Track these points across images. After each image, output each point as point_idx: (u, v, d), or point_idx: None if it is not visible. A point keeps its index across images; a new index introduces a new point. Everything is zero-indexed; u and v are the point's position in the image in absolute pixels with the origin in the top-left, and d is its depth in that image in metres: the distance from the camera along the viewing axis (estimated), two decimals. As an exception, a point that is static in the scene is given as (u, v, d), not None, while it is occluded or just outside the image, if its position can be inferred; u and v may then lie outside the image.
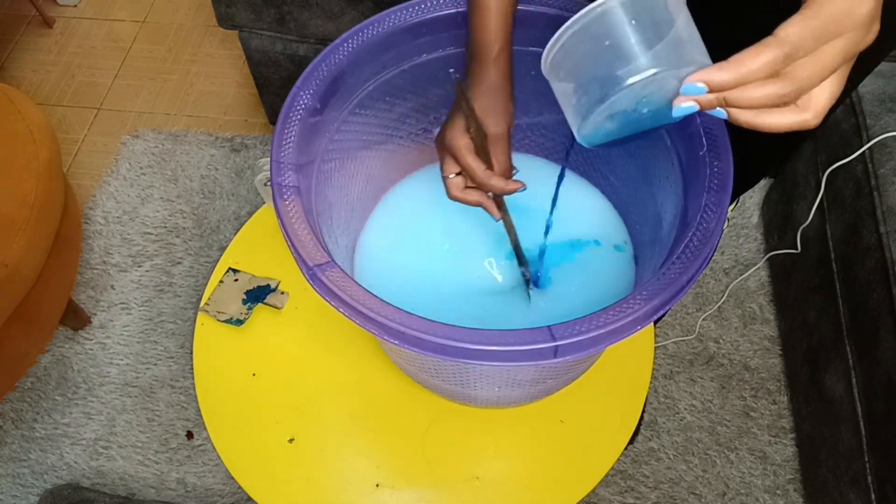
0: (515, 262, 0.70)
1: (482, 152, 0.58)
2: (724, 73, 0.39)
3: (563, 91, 0.46)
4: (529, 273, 0.70)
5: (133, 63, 1.85)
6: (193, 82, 1.80)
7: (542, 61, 0.46)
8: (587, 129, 0.45)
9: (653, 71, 0.40)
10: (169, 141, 1.66)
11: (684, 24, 0.41)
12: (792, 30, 0.38)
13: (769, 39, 0.38)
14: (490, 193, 0.62)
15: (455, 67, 0.68)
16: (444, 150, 0.60)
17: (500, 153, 0.60)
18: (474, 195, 0.62)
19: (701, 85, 0.40)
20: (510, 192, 0.60)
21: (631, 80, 0.40)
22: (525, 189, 0.61)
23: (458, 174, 0.61)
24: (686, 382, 1.31)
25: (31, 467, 1.27)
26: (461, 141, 0.58)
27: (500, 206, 0.64)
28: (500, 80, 0.59)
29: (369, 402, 0.79)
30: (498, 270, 0.73)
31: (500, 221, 0.65)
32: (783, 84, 0.39)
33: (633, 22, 0.40)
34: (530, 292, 0.70)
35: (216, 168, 1.61)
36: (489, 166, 0.59)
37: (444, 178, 0.61)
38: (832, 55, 0.38)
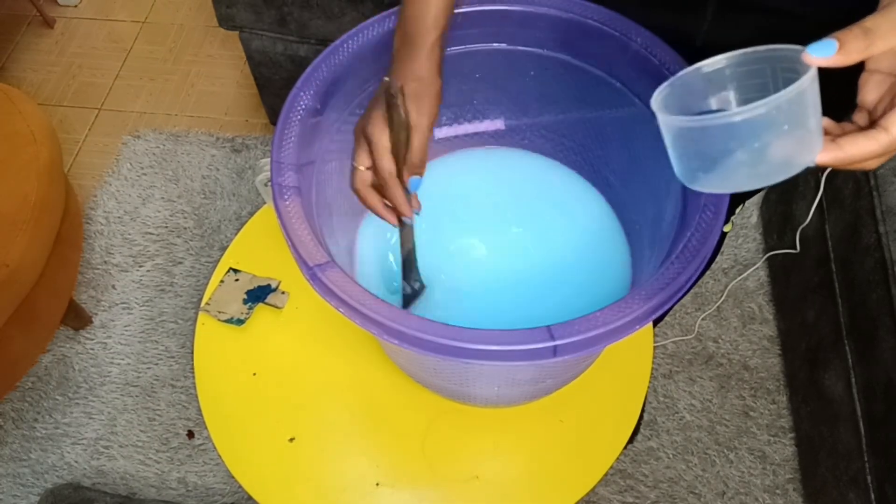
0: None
1: (399, 149, 0.57)
2: (828, 157, 0.41)
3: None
4: (416, 288, 0.67)
5: (134, 63, 1.85)
6: (194, 83, 1.80)
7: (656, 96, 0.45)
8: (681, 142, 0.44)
9: (763, 110, 0.39)
10: (170, 141, 1.67)
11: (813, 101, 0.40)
12: None
13: (880, 135, 0.40)
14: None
15: (452, 67, 0.68)
16: (361, 138, 0.58)
17: (417, 145, 0.57)
18: (372, 199, 0.60)
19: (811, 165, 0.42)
20: (403, 214, 0.59)
21: (741, 110, 0.39)
22: (419, 212, 0.59)
23: (369, 167, 0.59)
24: (685, 382, 1.32)
25: (31, 467, 1.27)
26: (382, 136, 0.56)
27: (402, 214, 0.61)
28: (431, 72, 0.57)
29: (369, 401, 0.79)
30: (496, 267, 0.73)
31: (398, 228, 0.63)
32: (875, 163, 0.41)
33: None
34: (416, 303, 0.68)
35: (217, 168, 1.61)
36: (400, 170, 0.57)
37: (354, 167, 0.59)
38: None
